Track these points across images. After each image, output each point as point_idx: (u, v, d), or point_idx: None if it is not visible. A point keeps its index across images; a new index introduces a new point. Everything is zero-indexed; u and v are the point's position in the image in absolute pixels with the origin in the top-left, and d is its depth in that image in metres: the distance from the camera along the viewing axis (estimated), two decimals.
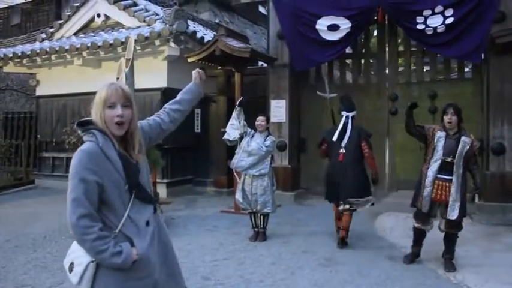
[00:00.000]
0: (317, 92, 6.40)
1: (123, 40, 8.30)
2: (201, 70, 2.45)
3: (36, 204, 8.16)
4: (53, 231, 6.08)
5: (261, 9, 13.21)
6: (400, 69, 9.50)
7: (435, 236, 4.66)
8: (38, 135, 10.93)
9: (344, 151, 5.17)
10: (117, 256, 1.77)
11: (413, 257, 4.77)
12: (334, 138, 5.25)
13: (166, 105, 2.33)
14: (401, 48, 9.15)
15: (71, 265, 1.85)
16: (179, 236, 5.75)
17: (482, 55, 7.40)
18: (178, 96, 2.37)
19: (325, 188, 5.50)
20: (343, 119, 5.31)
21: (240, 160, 5.53)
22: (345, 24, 8.03)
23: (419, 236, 4.71)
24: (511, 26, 6.95)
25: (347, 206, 5.17)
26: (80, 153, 1.81)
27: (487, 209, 6.79)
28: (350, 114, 5.31)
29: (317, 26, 8.18)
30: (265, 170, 5.49)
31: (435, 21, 7.42)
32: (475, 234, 5.87)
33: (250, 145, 5.50)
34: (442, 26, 7.36)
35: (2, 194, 9.69)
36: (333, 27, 8.08)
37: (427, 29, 7.49)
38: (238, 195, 5.69)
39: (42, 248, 5.28)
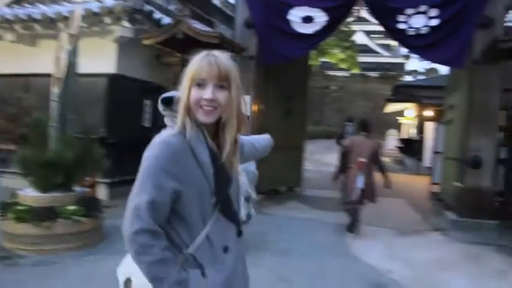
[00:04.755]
0: None
1: (66, 15, 7.07)
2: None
3: None
4: None
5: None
6: None
7: None
8: None
9: None
10: (179, 286, 1.32)
11: None
12: None
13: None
14: None
15: (128, 282, 1.58)
16: None
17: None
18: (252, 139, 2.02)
19: None
20: None
21: None
22: (321, 17, 7.30)
23: None
24: (497, 32, 6.53)
25: None
26: (160, 146, 1.37)
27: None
28: None
29: (289, 17, 7.41)
30: None
31: (418, 22, 6.85)
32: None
33: None
34: (426, 27, 6.81)
35: None
36: (308, 20, 7.35)
37: (408, 29, 6.93)
38: None
39: None
